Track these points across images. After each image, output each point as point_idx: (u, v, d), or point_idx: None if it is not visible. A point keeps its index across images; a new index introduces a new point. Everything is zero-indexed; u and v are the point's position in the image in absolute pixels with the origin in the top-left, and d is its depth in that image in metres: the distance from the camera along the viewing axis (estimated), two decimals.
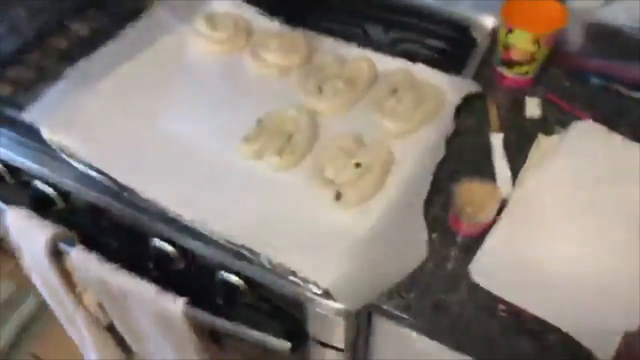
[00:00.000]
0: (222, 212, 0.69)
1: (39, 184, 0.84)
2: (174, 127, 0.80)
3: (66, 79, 0.84)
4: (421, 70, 0.85)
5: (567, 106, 0.84)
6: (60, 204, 0.85)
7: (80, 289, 0.95)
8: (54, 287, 0.95)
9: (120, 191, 0.73)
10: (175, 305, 0.77)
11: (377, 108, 0.80)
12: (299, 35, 0.91)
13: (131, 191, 0.73)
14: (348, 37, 0.95)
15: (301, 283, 0.64)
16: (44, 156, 0.80)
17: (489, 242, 0.66)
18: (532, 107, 0.83)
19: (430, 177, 0.72)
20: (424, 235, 0.67)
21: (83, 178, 0.77)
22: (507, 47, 0.83)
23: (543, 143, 0.79)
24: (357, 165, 0.72)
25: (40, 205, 0.85)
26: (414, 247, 0.66)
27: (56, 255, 0.87)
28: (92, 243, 0.85)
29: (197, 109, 0.82)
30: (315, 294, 0.64)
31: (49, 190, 0.84)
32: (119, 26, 0.94)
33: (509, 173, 0.75)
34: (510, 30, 0.80)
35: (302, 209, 0.70)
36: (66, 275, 0.91)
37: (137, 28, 0.93)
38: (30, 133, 0.80)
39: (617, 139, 0.75)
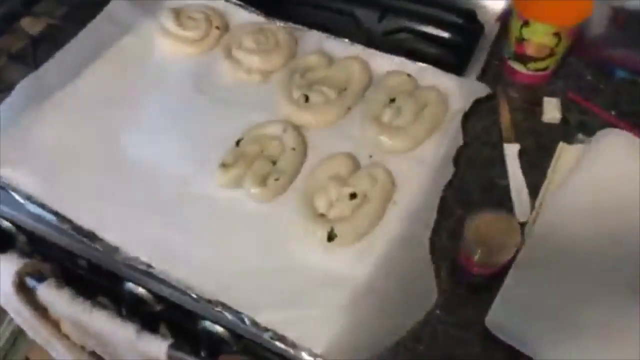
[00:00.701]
0: (196, 260, 0.60)
1: None
2: (139, 152, 0.70)
3: (13, 97, 0.72)
4: (422, 71, 0.73)
5: (591, 106, 0.73)
6: (21, 238, 0.75)
7: (57, 318, 0.87)
8: (28, 320, 0.86)
9: (80, 237, 0.63)
10: (159, 349, 0.69)
11: (372, 120, 0.69)
12: (279, 30, 0.79)
13: (93, 236, 0.63)
14: (335, 27, 0.83)
15: (291, 350, 0.55)
16: None
17: (508, 288, 0.57)
18: (551, 110, 0.73)
19: (437, 204, 0.63)
20: (431, 276, 0.58)
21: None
22: (521, 41, 0.71)
23: (564, 154, 0.69)
24: (352, 196, 0.62)
25: (2, 239, 0.76)
26: (420, 292, 0.58)
27: (25, 290, 0.78)
28: (68, 274, 0.77)
29: (166, 128, 0.72)
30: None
31: (7, 224, 0.74)
32: (76, 20, 0.82)
33: (526, 194, 0.66)
34: (525, 23, 0.68)
35: (288, 252, 0.61)
36: (40, 309, 0.83)
37: (93, 28, 0.80)
38: None
39: None
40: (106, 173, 0.68)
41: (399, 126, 0.68)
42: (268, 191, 0.64)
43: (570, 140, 0.70)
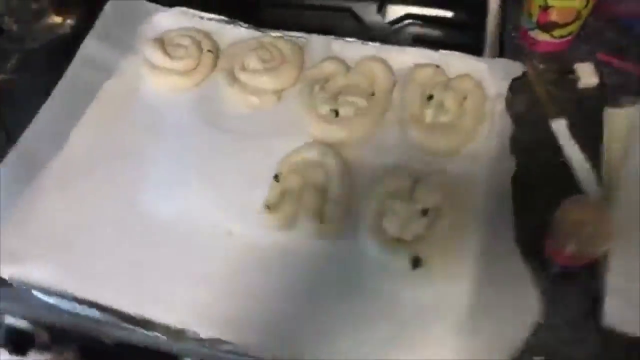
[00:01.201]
0: (275, 324, 0.53)
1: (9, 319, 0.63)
2: (163, 211, 0.61)
3: (4, 172, 0.61)
4: (448, 59, 0.68)
5: (624, 64, 0.70)
6: (43, 337, 0.65)
7: None
8: None
9: (132, 325, 0.54)
10: None
11: (415, 123, 0.63)
12: (280, 41, 0.71)
13: (147, 323, 0.54)
14: (334, 27, 0.77)
15: None
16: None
17: (614, 279, 0.53)
18: (587, 75, 0.69)
19: (510, 201, 0.57)
20: (529, 282, 0.53)
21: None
22: (545, 9, 0.67)
23: (613, 119, 0.65)
24: (424, 212, 0.56)
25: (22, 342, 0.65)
26: (524, 301, 0.52)
27: None
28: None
29: (186, 177, 0.63)
30: None
31: (23, 323, 0.64)
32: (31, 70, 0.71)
33: (590, 169, 0.62)
34: None
35: (367, 292, 0.54)
36: None
37: (70, 77, 0.70)
38: None
39: None
40: (130, 244, 0.58)
41: (446, 124, 0.62)
42: (329, 226, 0.57)
43: (614, 103, 0.67)
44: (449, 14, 0.80)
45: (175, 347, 0.55)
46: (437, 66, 0.66)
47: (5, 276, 0.56)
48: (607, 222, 0.52)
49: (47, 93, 0.73)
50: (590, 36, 0.73)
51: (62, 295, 0.55)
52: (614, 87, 0.69)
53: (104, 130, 0.67)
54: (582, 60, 0.71)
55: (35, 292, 0.56)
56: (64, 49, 0.78)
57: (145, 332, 0.53)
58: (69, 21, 0.79)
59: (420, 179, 0.59)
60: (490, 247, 0.55)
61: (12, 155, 0.62)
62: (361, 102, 0.64)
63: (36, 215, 0.60)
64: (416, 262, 0.53)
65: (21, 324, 0.63)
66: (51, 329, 0.65)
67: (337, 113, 0.64)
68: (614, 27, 0.74)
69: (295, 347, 0.51)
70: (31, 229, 0.59)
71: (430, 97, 0.64)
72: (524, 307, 0.52)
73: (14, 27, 0.79)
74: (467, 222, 0.56)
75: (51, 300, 0.55)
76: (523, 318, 0.51)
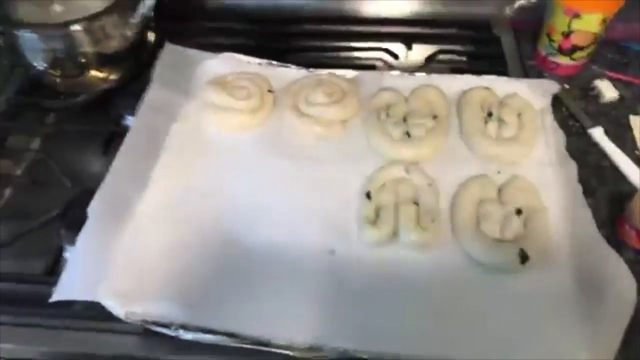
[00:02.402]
0: (398, 331, 0.54)
1: None
2: (259, 239, 0.61)
3: (90, 221, 0.59)
4: (494, 83, 0.75)
5: (632, 78, 0.81)
6: None
7: None
8: None
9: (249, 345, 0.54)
10: None
11: (481, 137, 0.69)
12: (338, 79, 0.76)
13: (267, 343, 0.53)
14: (376, 64, 0.83)
15: None
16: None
17: None
18: (607, 91, 0.79)
19: (583, 197, 0.64)
20: (622, 262, 0.58)
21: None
22: (568, 34, 0.77)
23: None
24: (519, 211, 0.61)
25: None
26: (623, 280, 0.57)
27: None
28: None
29: (273, 205, 0.64)
30: None
31: None
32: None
33: (637, 168, 0.70)
34: (576, 15, 0.74)
35: (485, 288, 0.57)
36: None
37: (140, 121, 0.70)
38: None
39: None
40: (236, 274, 0.58)
41: (510, 136, 0.68)
42: (430, 233, 0.60)
43: (635, 111, 0.77)
44: (470, 48, 0.88)
45: None
46: (487, 88, 0.73)
47: (122, 315, 0.54)
48: None
49: (94, 141, 0.75)
50: (596, 58, 0.84)
51: (182, 327, 0.54)
52: (631, 99, 0.79)
53: (181, 172, 0.67)
54: (596, 78, 0.81)
55: (150, 327, 0.54)
56: (107, 102, 0.80)
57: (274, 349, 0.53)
58: (111, 76, 0.80)
59: (503, 184, 0.64)
60: (580, 237, 0.60)
61: (96, 202, 0.61)
62: (429, 122, 0.69)
63: (137, 256, 0.58)
64: (524, 257, 0.57)
65: None
66: None
67: (409, 134, 0.69)
68: (612, 49, 0.86)
69: (422, 346, 0.53)
70: (136, 269, 0.57)
71: (490, 114, 0.70)
72: (626, 286, 0.56)
73: (58, 82, 0.79)
74: (553, 217, 0.61)
75: (171, 333, 0.54)
76: (627, 296, 0.56)
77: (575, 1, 0.74)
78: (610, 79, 0.81)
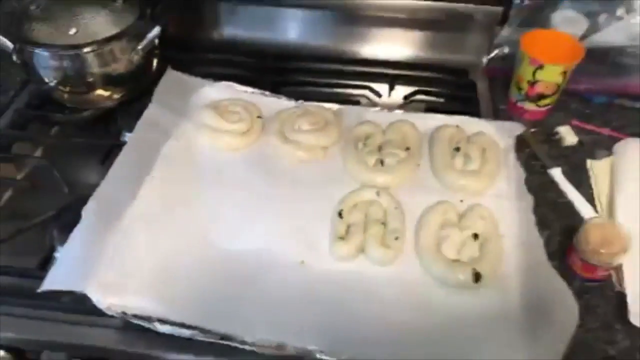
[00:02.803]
0: (359, 333, 0.59)
1: None
2: (239, 247, 0.67)
3: (83, 223, 0.65)
4: (464, 122, 0.83)
5: (592, 127, 0.88)
6: None
7: None
8: None
9: (220, 341, 0.58)
10: None
11: (448, 169, 0.75)
12: (322, 110, 0.83)
13: (236, 339, 0.58)
14: (360, 100, 0.91)
15: None
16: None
17: (631, 281, 0.65)
18: (568, 136, 0.86)
19: (535, 228, 0.69)
20: (567, 290, 0.63)
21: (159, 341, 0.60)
22: (533, 83, 0.85)
23: (596, 168, 0.82)
24: (475, 236, 0.66)
25: None
26: (565, 305, 0.62)
27: None
28: None
29: (254, 219, 0.70)
30: None
31: None
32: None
33: (589, 205, 0.76)
34: (540, 67, 0.82)
35: (439, 302, 0.63)
36: None
37: (137, 138, 0.77)
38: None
39: None
40: (213, 277, 0.64)
41: (474, 170, 0.75)
42: (393, 251, 0.66)
43: (592, 156, 0.84)
44: (447, 91, 0.96)
45: None
46: (457, 126, 0.80)
47: (104, 307, 0.59)
48: (623, 236, 0.65)
49: (93, 153, 0.81)
50: (561, 107, 0.92)
51: (173, 324, 0.59)
52: (590, 144, 0.86)
53: (170, 184, 0.73)
54: (560, 124, 0.88)
55: (130, 319, 0.59)
56: (109, 118, 0.87)
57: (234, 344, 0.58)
58: (115, 96, 0.87)
59: (464, 211, 0.70)
60: (529, 263, 0.66)
61: (91, 204, 0.67)
62: (402, 153, 0.76)
63: (123, 255, 0.63)
64: (477, 277, 0.63)
65: None
66: None
67: (382, 162, 0.75)
68: (576, 100, 0.94)
69: (376, 350, 0.57)
70: (122, 265, 0.62)
71: (457, 149, 0.77)
72: (568, 309, 0.61)
73: (65, 97, 0.86)
74: (507, 244, 0.67)
75: (148, 325, 0.59)
76: (569, 319, 0.61)
77: (538, 54, 0.82)
78: (572, 126, 0.88)
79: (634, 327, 0.64)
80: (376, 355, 0.57)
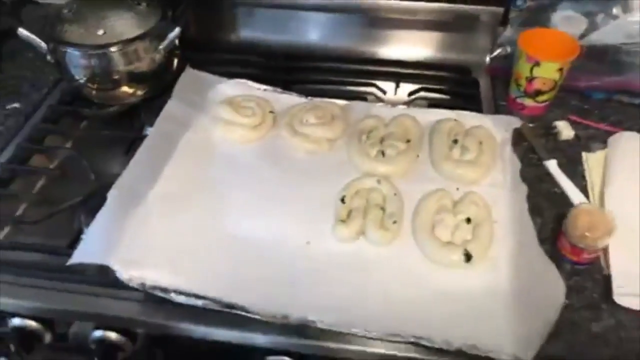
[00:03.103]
0: (360, 306, 0.64)
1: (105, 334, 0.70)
2: (250, 228, 0.73)
3: (109, 203, 0.72)
4: (462, 116, 0.87)
5: (589, 122, 0.92)
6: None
7: None
8: None
9: (230, 310, 0.64)
10: None
11: (446, 160, 0.80)
12: (330, 105, 0.89)
13: (244, 309, 0.64)
14: (367, 97, 0.96)
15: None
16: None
17: (617, 263, 0.69)
18: (565, 130, 0.90)
19: (528, 216, 0.74)
20: (555, 270, 0.68)
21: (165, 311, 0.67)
22: (531, 79, 0.89)
23: (590, 160, 0.85)
24: (468, 220, 0.71)
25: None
26: (554, 285, 0.66)
27: None
28: None
29: (264, 205, 0.76)
30: None
31: (114, 336, 0.71)
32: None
33: (581, 195, 0.80)
34: (537, 63, 0.86)
35: (431, 280, 0.67)
36: None
37: (157, 129, 0.84)
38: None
39: None
40: (226, 254, 0.70)
41: (470, 160, 0.80)
42: (390, 233, 0.71)
43: (587, 149, 0.88)
44: (452, 88, 1.01)
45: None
46: (455, 120, 0.85)
47: (125, 278, 0.65)
48: (608, 221, 0.69)
49: (118, 145, 0.88)
50: (560, 103, 0.96)
51: (185, 294, 0.65)
52: (585, 138, 0.90)
53: (188, 171, 0.79)
54: (558, 120, 0.92)
55: (148, 290, 0.65)
56: (133, 113, 0.94)
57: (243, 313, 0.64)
58: (139, 92, 0.94)
59: (459, 198, 0.75)
60: (520, 247, 0.70)
61: (116, 188, 0.74)
62: (402, 145, 0.81)
63: (143, 233, 0.70)
64: (468, 257, 0.67)
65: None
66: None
67: (383, 154, 0.80)
68: (576, 96, 0.98)
69: (371, 322, 0.62)
70: (142, 243, 0.69)
71: (455, 141, 0.82)
72: (555, 289, 0.66)
73: (93, 93, 0.93)
74: (497, 230, 0.72)
75: (165, 295, 0.65)
76: (555, 298, 0.65)
77: (535, 51, 0.86)
78: (570, 121, 0.92)
79: (618, 306, 0.67)
80: (370, 326, 0.62)
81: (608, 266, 0.70)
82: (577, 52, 0.87)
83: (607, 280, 0.70)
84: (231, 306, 0.64)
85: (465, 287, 0.66)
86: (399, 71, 1.01)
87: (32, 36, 0.89)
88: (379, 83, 0.99)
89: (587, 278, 0.71)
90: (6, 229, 0.78)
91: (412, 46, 1.07)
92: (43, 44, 0.89)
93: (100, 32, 0.91)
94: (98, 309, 0.69)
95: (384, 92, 0.98)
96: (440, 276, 0.68)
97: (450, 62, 1.05)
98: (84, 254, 0.66)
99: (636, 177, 0.79)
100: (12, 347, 0.72)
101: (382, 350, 0.63)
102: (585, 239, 0.69)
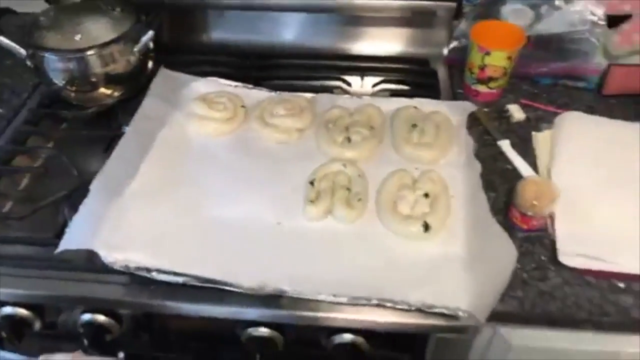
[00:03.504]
0: (327, 275, 0.70)
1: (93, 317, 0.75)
2: (224, 214, 0.78)
3: (92, 193, 0.77)
4: (422, 103, 0.94)
5: (538, 105, 0.99)
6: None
7: None
8: None
9: (207, 285, 0.70)
10: None
11: (406, 143, 0.87)
12: (297, 98, 0.95)
13: (222, 283, 0.69)
14: (333, 90, 1.02)
15: (445, 311, 0.67)
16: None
17: (561, 228, 0.76)
18: (517, 113, 0.97)
19: (482, 190, 0.80)
20: (506, 237, 0.74)
21: (152, 290, 0.72)
22: (483, 67, 0.96)
23: (539, 139, 0.93)
24: (426, 195, 0.78)
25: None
26: (505, 249, 0.73)
27: None
28: None
29: (238, 190, 0.81)
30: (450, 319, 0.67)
31: (102, 318, 0.75)
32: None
33: (531, 170, 0.87)
34: (487, 53, 0.93)
35: (394, 250, 0.74)
36: None
37: (135, 126, 0.89)
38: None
39: (597, 119, 0.92)
40: (206, 236, 0.75)
41: (428, 143, 0.86)
42: (357, 211, 0.77)
43: (537, 129, 0.95)
44: (411, 78, 1.08)
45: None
46: (415, 107, 0.92)
47: (110, 261, 0.70)
48: (553, 190, 0.76)
49: (98, 143, 0.93)
50: (513, 89, 1.03)
51: (171, 273, 0.70)
52: (535, 120, 0.97)
53: (165, 164, 0.84)
54: (510, 103, 1.00)
55: (132, 271, 0.70)
56: (110, 113, 0.99)
57: (224, 288, 0.69)
58: (116, 93, 0.99)
59: (418, 177, 0.81)
60: (475, 217, 0.77)
61: (97, 180, 0.78)
62: (366, 131, 0.87)
63: (125, 220, 0.75)
64: (427, 227, 0.74)
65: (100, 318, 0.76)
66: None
67: (349, 140, 0.87)
68: (527, 82, 1.05)
69: (339, 289, 0.68)
70: (124, 229, 0.73)
71: (414, 126, 0.88)
72: (507, 254, 0.72)
73: (72, 96, 0.98)
74: (453, 203, 0.78)
75: (148, 275, 0.70)
76: (507, 262, 0.71)
77: (486, 42, 0.94)
78: (521, 105, 0.99)
79: (564, 266, 0.74)
80: (338, 292, 0.68)
81: (554, 231, 0.77)
82: (524, 41, 0.94)
83: (553, 245, 0.77)
84: (210, 281, 0.69)
85: (424, 255, 0.73)
86: (363, 65, 1.08)
87: (12, 44, 0.93)
88: (345, 77, 1.05)
89: (536, 244, 0.78)
90: None
91: (376, 42, 1.14)
92: (22, 51, 0.93)
93: (77, 37, 0.95)
94: (85, 293, 0.74)
95: (350, 85, 1.05)
96: (402, 246, 0.74)
97: (410, 55, 1.11)
98: (70, 241, 0.71)
99: (578, 152, 0.86)
100: (4, 334, 0.76)
101: (349, 316, 0.69)
102: (533, 207, 0.76)
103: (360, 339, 0.72)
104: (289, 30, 1.16)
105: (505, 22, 1.00)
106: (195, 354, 0.83)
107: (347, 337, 0.72)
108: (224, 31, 1.17)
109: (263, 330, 0.73)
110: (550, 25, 1.03)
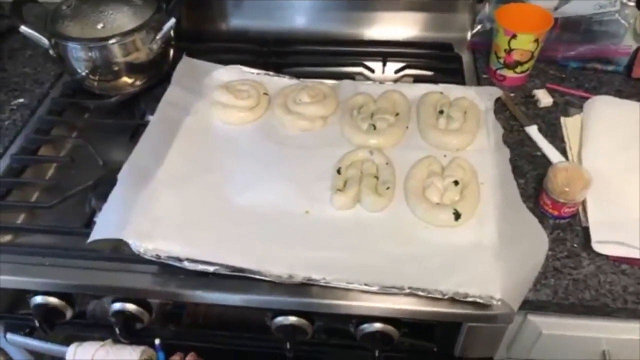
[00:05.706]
0: (356, 264, 0.69)
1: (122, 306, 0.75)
2: (252, 201, 0.78)
3: (120, 183, 0.76)
4: (447, 89, 0.92)
5: (566, 89, 0.97)
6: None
7: None
8: None
9: (237, 274, 0.69)
10: None
11: (433, 129, 0.85)
12: (320, 85, 0.94)
13: (251, 272, 0.69)
14: (355, 76, 1.01)
15: (479, 299, 0.66)
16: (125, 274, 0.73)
17: (594, 215, 0.75)
18: (544, 98, 0.95)
19: (512, 176, 0.79)
20: (537, 224, 0.73)
21: (181, 279, 0.72)
22: (509, 51, 0.94)
23: (568, 124, 0.91)
24: (456, 182, 0.77)
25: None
26: (537, 236, 0.71)
27: None
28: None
29: (264, 178, 0.81)
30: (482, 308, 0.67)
31: (132, 307, 0.76)
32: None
33: (560, 155, 0.86)
34: (514, 36, 0.91)
35: (424, 238, 0.73)
36: None
37: (160, 114, 0.88)
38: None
39: (628, 102, 0.90)
40: (230, 224, 0.75)
41: (456, 129, 0.85)
42: (385, 199, 0.76)
43: (565, 114, 0.93)
44: (435, 63, 1.06)
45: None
46: (441, 92, 0.91)
47: (140, 250, 0.70)
48: (585, 176, 0.75)
49: (122, 132, 0.93)
50: (539, 73, 1.01)
51: (202, 262, 0.70)
52: (563, 104, 0.95)
53: (191, 152, 0.84)
54: (537, 88, 0.98)
55: (162, 260, 0.70)
56: (134, 102, 0.98)
57: (254, 276, 0.69)
58: (138, 82, 0.99)
59: (447, 164, 0.80)
60: (505, 204, 0.75)
61: (125, 169, 0.78)
62: (391, 118, 0.86)
63: (155, 209, 0.75)
64: (457, 216, 0.73)
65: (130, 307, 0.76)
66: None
67: (374, 127, 0.85)
68: (554, 66, 1.03)
69: (370, 278, 0.68)
70: (153, 218, 0.73)
71: (441, 112, 0.87)
72: (538, 241, 0.71)
73: (95, 85, 0.97)
74: (483, 190, 0.77)
75: (178, 264, 0.70)
76: (539, 249, 0.70)
77: (512, 25, 0.92)
78: (548, 89, 0.97)
79: (597, 254, 0.73)
80: (369, 281, 0.67)
81: (586, 218, 0.76)
82: (551, 23, 0.92)
83: (586, 232, 0.76)
84: (240, 270, 0.69)
85: (455, 243, 0.72)
86: (385, 51, 1.06)
87: (35, 33, 0.93)
88: (367, 63, 1.04)
89: (568, 231, 0.77)
90: (22, 215, 0.83)
91: (397, 26, 1.12)
92: (45, 40, 0.93)
93: (99, 26, 0.95)
94: (114, 282, 0.74)
95: (372, 71, 1.03)
96: (432, 234, 0.73)
97: (433, 40, 1.10)
98: (101, 231, 0.71)
99: (609, 137, 0.84)
100: (37, 323, 0.77)
101: (381, 305, 0.69)
102: (565, 193, 0.74)
103: (389, 328, 0.72)
104: (308, 16, 1.14)
105: (531, 4, 0.98)
106: (224, 343, 0.83)
107: (377, 325, 0.72)
108: (242, 18, 1.16)
109: (292, 319, 0.73)
110: (578, 6, 1.00)
